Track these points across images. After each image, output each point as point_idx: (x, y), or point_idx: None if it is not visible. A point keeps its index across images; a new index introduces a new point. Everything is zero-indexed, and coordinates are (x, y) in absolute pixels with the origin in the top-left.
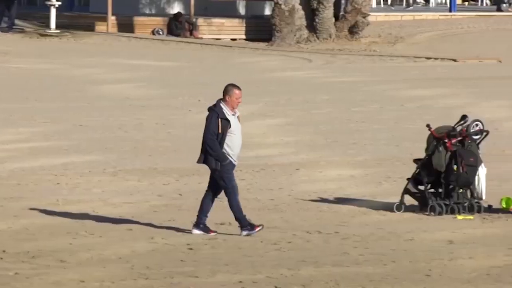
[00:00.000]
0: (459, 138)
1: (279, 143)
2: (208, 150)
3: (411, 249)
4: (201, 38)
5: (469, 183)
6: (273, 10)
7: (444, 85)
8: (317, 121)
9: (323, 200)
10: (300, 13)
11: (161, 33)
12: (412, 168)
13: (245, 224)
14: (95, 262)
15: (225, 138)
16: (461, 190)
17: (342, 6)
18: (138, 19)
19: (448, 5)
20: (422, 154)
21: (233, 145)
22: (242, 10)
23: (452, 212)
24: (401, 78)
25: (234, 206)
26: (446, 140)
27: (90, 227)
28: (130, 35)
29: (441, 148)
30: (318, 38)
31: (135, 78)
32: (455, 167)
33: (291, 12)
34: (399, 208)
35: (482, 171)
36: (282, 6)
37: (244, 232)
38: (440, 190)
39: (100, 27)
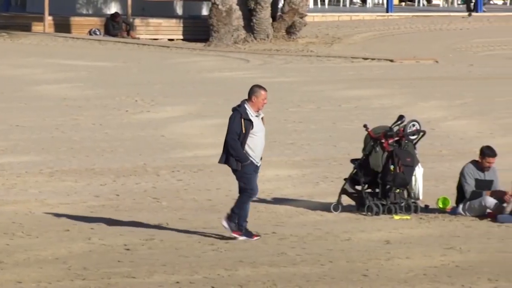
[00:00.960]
0: (396, 138)
1: (217, 143)
2: (230, 150)
3: (348, 249)
4: (138, 38)
5: (406, 183)
6: (210, 10)
7: (381, 86)
8: None
9: (260, 200)
10: (237, 13)
11: (98, 33)
12: (349, 168)
13: (234, 220)
14: (32, 262)
15: (246, 138)
16: (398, 190)
17: (280, 7)
18: (75, 20)
19: (385, 5)
20: (359, 154)
21: (254, 146)
22: (179, 11)
23: (389, 212)
24: (338, 79)
25: (241, 207)
26: (383, 140)
27: (27, 228)
28: (67, 36)
29: (378, 148)
30: (255, 39)
31: (72, 79)
32: (392, 167)
33: (228, 12)
34: (336, 208)
35: (419, 171)
36: (220, 7)
37: (224, 222)
38: (377, 190)
39: (37, 27)
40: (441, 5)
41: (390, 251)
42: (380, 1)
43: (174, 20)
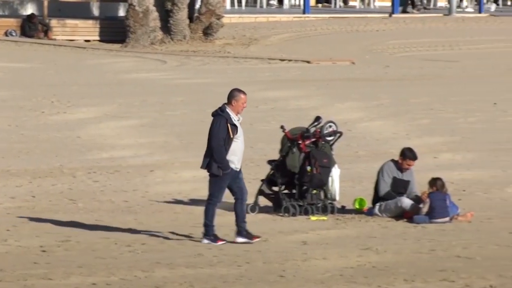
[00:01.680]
0: (313, 140)
1: (133, 145)
2: (214, 156)
3: (265, 250)
4: (55, 39)
5: (322, 184)
6: (127, 11)
7: (298, 87)
8: (172, 123)
9: (177, 201)
10: (154, 14)
11: (14, 34)
12: (266, 170)
13: (209, 234)
14: None
15: (231, 143)
16: (314, 191)
17: (196, 8)
18: None
19: (302, 7)
20: (276, 156)
21: (238, 150)
22: (96, 12)
23: (306, 213)
24: (255, 80)
25: (207, 213)
26: (300, 142)
27: None
28: None
29: (295, 150)
30: (172, 40)
31: None
32: (309, 168)
33: (145, 13)
34: (253, 209)
35: (335, 172)
36: (136, 8)
37: (205, 241)
38: (294, 191)
39: None
40: (357, 7)
41: (307, 252)
42: (297, 3)
43: (90, 21)
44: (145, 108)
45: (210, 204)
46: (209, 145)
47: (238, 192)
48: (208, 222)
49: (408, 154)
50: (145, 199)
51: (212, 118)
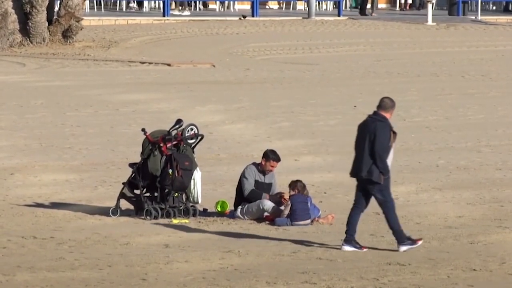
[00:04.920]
0: (174, 142)
1: None
2: (377, 162)
3: (127, 253)
4: None
5: (184, 187)
6: None
7: (159, 90)
8: (31, 126)
9: (38, 205)
10: (13, 16)
11: None
12: (127, 173)
13: (403, 239)
14: None
15: (389, 150)
16: (176, 194)
17: (56, 10)
18: None
19: (162, 9)
20: (137, 158)
21: (391, 157)
22: None
23: (168, 216)
24: (115, 83)
25: (392, 220)
26: (162, 144)
27: None
28: None
29: (156, 152)
30: (31, 42)
31: None
32: (170, 171)
33: (4, 16)
34: (114, 212)
35: (197, 174)
36: None
37: (403, 248)
38: (156, 194)
39: None
40: (217, 10)
41: (169, 255)
42: (157, 6)
43: None
44: (4, 111)
45: (388, 208)
46: (371, 152)
47: (367, 203)
48: (397, 227)
49: (271, 156)
50: (5, 203)
51: (358, 125)
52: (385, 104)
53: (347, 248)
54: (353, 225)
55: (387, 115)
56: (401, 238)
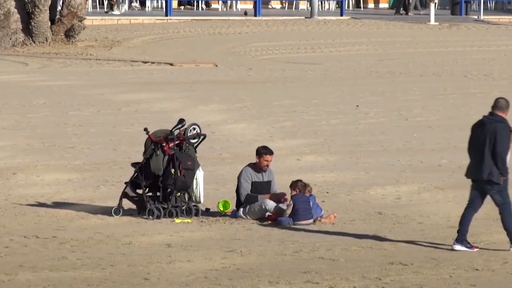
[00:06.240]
0: (177, 142)
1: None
2: (498, 163)
3: (129, 253)
4: None
5: (186, 186)
6: None
7: (161, 89)
8: (34, 125)
9: (40, 204)
10: (15, 16)
11: None
12: (130, 172)
13: None
14: None
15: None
16: (179, 193)
17: (58, 10)
18: None
19: (164, 9)
20: (140, 158)
21: (508, 158)
22: None
23: (170, 215)
24: (118, 82)
25: (508, 222)
26: (164, 144)
27: None
28: None
29: (159, 152)
30: (34, 42)
31: None
32: (173, 170)
33: (6, 15)
34: (117, 212)
35: (199, 174)
36: None
37: (457, 246)
38: (158, 193)
39: None
40: (220, 9)
41: (171, 255)
42: (159, 5)
43: None
44: (7, 111)
45: (506, 209)
46: (492, 153)
47: (481, 203)
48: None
49: (263, 151)
50: (8, 202)
51: (473, 126)
52: (501, 104)
53: (459, 247)
54: (466, 225)
55: (503, 115)
56: None
